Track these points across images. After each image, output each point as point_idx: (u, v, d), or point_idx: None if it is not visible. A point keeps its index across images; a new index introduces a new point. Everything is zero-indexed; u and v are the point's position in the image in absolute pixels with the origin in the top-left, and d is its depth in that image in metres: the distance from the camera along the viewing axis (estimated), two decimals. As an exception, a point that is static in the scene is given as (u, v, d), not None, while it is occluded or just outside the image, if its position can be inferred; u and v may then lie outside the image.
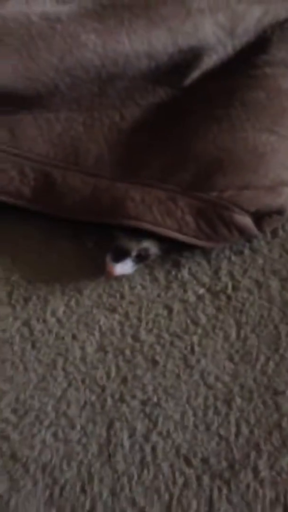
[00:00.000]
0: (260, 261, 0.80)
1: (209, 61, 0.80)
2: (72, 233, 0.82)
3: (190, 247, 0.79)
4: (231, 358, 0.72)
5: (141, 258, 0.76)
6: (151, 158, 0.78)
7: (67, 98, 0.80)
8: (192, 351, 0.73)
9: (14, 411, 0.70)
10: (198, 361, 0.72)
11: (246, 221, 0.75)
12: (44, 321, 0.76)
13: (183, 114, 0.80)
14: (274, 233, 0.82)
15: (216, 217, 0.75)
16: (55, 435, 0.68)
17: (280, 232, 0.82)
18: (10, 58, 0.77)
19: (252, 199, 0.74)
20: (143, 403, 0.70)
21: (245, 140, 0.75)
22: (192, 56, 0.79)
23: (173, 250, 0.80)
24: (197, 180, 0.76)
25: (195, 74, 0.81)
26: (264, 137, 0.76)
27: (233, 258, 0.80)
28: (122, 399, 0.70)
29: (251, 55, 0.81)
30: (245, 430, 0.67)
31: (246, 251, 0.80)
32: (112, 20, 0.77)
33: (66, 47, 0.77)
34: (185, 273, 0.79)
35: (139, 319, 0.76)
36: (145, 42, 0.78)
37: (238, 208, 0.74)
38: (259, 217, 0.75)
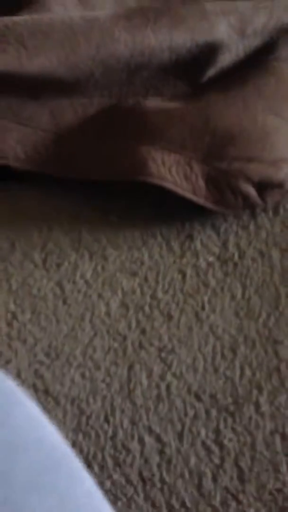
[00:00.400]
0: (263, 234, 0.86)
1: (223, 59, 0.88)
2: (100, 207, 0.89)
3: (202, 223, 0.86)
4: (236, 314, 0.78)
5: None
6: (170, 128, 0.85)
7: (100, 85, 0.88)
8: (203, 308, 0.79)
9: (47, 354, 0.77)
10: (207, 316, 0.78)
11: (250, 190, 0.82)
12: (74, 282, 0.83)
13: (201, 98, 0.87)
14: (276, 211, 0.88)
15: (225, 183, 0.82)
16: (82, 374, 0.75)
17: (281, 211, 0.88)
18: (55, 50, 0.86)
19: (256, 171, 0.81)
20: (159, 349, 0.76)
21: (255, 119, 0.83)
22: (208, 51, 0.87)
23: (187, 224, 0.87)
24: (211, 149, 0.83)
25: (211, 71, 0.88)
26: (270, 118, 0.83)
27: (239, 232, 0.86)
28: (141, 346, 0.76)
29: (259, 56, 0.88)
30: (248, 372, 0.73)
31: (251, 226, 0.87)
32: (139, 19, 0.86)
33: (101, 41, 0.86)
34: (197, 243, 0.86)
35: (157, 282, 0.82)
36: (167, 38, 0.86)
37: (243, 178, 0.81)
38: (262, 188, 0.82)
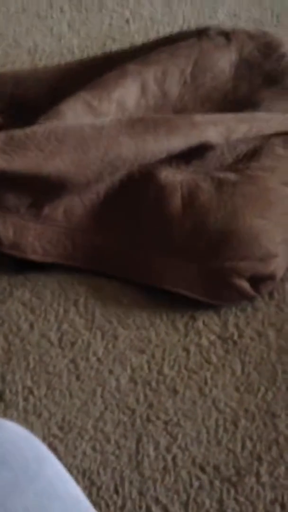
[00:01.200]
0: (260, 316, 0.85)
1: (212, 156, 0.91)
2: (112, 292, 0.88)
3: (204, 305, 0.85)
4: (237, 389, 0.76)
5: None
6: (170, 233, 0.88)
7: (107, 182, 0.90)
8: (206, 383, 0.77)
9: (61, 428, 0.74)
10: (210, 391, 0.76)
11: (243, 284, 0.83)
12: (87, 359, 0.81)
13: (195, 204, 0.89)
14: (271, 295, 0.87)
15: (219, 280, 0.84)
16: (93, 447, 0.72)
17: (276, 295, 0.87)
18: (69, 154, 0.88)
19: (247, 267, 0.83)
20: (166, 423, 0.73)
21: (244, 222, 0.86)
22: (198, 149, 0.90)
23: (190, 307, 0.86)
24: (206, 251, 0.86)
25: (198, 163, 0.91)
26: (256, 221, 0.86)
27: (238, 313, 0.85)
28: (148, 420, 0.74)
29: (246, 162, 0.91)
30: (249, 444, 0.70)
31: (249, 309, 0.86)
32: (141, 127, 0.89)
33: (108, 145, 0.89)
34: (200, 323, 0.84)
35: (163, 358, 0.80)
36: (165, 143, 0.89)
37: (236, 274, 0.83)
38: (255, 282, 0.83)
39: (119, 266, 0.87)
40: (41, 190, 0.91)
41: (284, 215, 0.88)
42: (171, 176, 0.91)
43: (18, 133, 0.90)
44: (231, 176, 0.90)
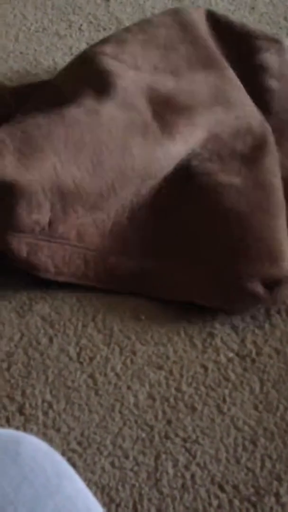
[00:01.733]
0: (278, 333, 0.84)
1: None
2: (131, 307, 0.88)
3: (222, 321, 0.84)
4: (256, 407, 0.75)
5: None
6: (200, 239, 0.89)
7: (118, 198, 0.91)
8: (224, 400, 0.76)
9: (80, 443, 0.73)
10: (229, 409, 0.75)
11: (258, 288, 0.83)
12: (105, 374, 0.81)
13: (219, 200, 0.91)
14: (289, 312, 0.86)
15: (233, 286, 0.84)
16: (112, 463, 0.71)
17: (294, 312, 0.86)
18: (85, 163, 0.89)
19: (260, 271, 0.84)
20: (184, 440, 0.72)
21: (254, 227, 0.87)
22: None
23: (208, 323, 0.85)
24: (221, 256, 0.87)
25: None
26: (267, 227, 0.87)
27: (256, 330, 0.84)
28: (167, 437, 0.73)
29: (248, 163, 0.96)
30: (268, 464, 0.69)
31: (267, 326, 0.85)
32: (150, 138, 0.94)
33: (121, 156, 0.91)
34: (218, 341, 0.83)
35: (181, 375, 0.80)
36: (171, 150, 0.95)
37: (249, 278, 0.83)
38: (270, 286, 0.83)
39: (132, 284, 0.88)
40: (56, 203, 0.91)
41: None
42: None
43: (34, 132, 0.91)
44: (236, 180, 0.91)
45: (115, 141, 0.91)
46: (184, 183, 0.94)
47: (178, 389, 0.78)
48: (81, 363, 0.82)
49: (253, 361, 0.80)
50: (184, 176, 0.94)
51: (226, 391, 0.77)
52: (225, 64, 1.04)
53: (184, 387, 0.78)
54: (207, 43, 1.05)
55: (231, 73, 1.03)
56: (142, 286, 0.88)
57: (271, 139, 0.97)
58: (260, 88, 1.04)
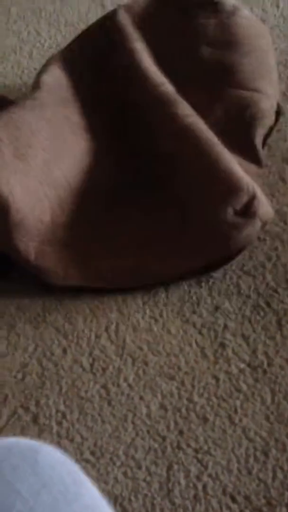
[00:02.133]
0: (289, 344, 0.84)
1: None
2: (143, 319, 0.88)
3: (233, 332, 0.85)
4: (267, 418, 0.75)
5: None
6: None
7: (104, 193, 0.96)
8: (236, 411, 0.76)
9: (93, 453, 0.73)
10: (240, 420, 0.75)
11: (236, 219, 0.89)
12: (118, 385, 0.81)
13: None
14: (300, 323, 0.86)
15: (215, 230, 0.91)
16: (125, 473, 0.71)
17: (305, 323, 0.86)
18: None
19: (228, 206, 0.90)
20: (196, 451, 0.72)
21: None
22: None
23: (219, 333, 0.85)
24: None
25: None
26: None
27: (267, 341, 0.84)
28: (179, 447, 0.73)
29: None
30: (280, 475, 0.69)
31: (278, 337, 0.85)
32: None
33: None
34: (229, 351, 0.83)
35: (193, 386, 0.80)
36: None
37: (224, 217, 0.89)
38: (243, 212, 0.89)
39: (130, 278, 0.90)
40: (54, 201, 0.92)
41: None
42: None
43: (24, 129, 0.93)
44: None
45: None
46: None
47: (190, 400, 0.78)
48: (94, 373, 0.83)
49: (265, 372, 0.80)
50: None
51: (238, 402, 0.77)
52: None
53: (195, 397, 0.78)
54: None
55: None
56: (142, 279, 0.91)
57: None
58: (192, 59, 1.03)
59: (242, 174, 0.90)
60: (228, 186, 0.89)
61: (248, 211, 0.88)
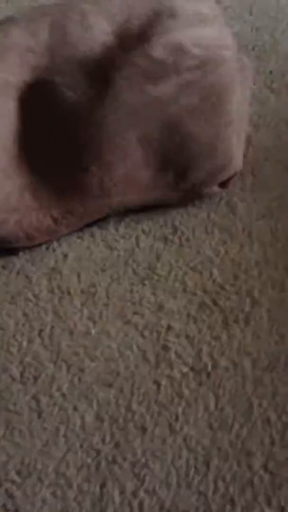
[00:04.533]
0: (236, 344, 0.80)
1: None
2: (80, 321, 0.83)
3: (176, 332, 0.80)
4: (210, 426, 0.71)
5: None
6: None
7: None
8: (177, 419, 0.72)
9: (19, 472, 0.69)
10: (181, 428, 0.71)
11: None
12: (50, 395, 0.76)
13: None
14: (247, 321, 0.82)
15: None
16: (54, 493, 0.66)
17: (252, 322, 0.82)
18: None
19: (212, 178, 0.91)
20: (133, 464, 0.68)
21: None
22: None
23: (162, 335, 0.81)
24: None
25: None
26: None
27: (212, 342, 0.80)
28: (114, 461, 0.68)
29: None
30: (221, 486, 0.65)
31: (224, 336, 0.81)
32: None
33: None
34: (172, 354, 0.79)
35: (132, 393, 0.75)
36: None
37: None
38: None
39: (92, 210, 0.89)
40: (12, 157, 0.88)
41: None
42: None
43: None
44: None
45: None
46: None
47: (128, 409, 0.73)
48: (24, 383, 0.78)
49: (209, 375, 0.76)
50: None
51: (179, 409, 0.73)
52: None
53: (134, 406, 0.74)
54: None
55: None
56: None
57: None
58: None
59: None
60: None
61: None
